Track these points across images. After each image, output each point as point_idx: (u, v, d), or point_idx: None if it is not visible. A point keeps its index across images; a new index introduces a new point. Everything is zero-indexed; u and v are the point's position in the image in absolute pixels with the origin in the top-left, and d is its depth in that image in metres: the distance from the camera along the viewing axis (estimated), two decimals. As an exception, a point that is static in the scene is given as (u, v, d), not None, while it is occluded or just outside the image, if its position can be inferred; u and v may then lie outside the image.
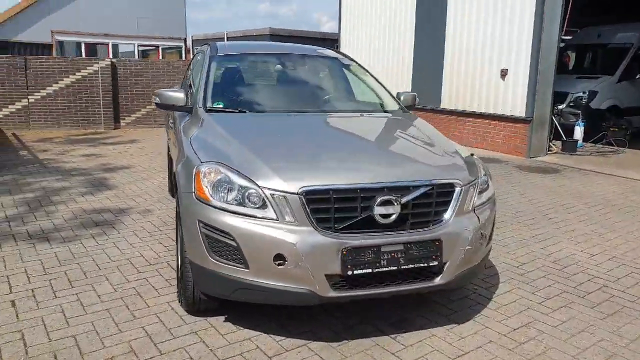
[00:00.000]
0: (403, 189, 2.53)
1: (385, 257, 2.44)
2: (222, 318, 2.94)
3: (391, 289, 2.53)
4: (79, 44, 17.97)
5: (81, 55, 17.88)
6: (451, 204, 2.63)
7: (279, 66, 4.18)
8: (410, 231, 2.52)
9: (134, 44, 19.01)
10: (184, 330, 2.81)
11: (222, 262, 2.47)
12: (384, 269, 2.46)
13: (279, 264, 2.38)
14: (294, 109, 3.64)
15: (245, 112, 3.48)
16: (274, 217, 2.40)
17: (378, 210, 2.44)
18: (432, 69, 10.49)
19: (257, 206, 2.43)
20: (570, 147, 9.07)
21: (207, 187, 2.52)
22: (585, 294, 3.38)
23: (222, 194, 2.48)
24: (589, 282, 3.57)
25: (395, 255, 2.46)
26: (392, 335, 2.80)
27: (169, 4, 19.14)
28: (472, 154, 3.14)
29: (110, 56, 18.29)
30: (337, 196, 2.44)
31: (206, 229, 2.48)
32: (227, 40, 19.12)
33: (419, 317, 3.00)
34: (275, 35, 17.20)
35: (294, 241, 2.36)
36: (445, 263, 2.59)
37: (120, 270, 3.63)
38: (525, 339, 2.80)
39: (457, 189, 2.65)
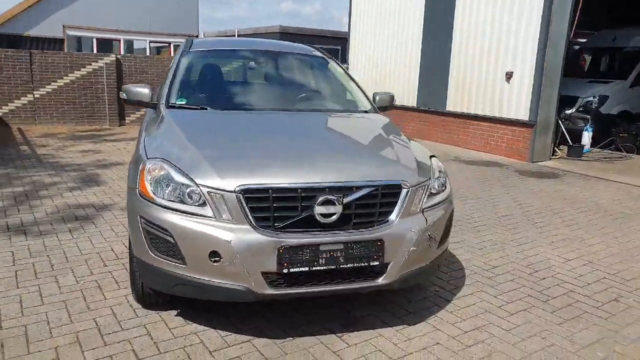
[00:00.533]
0: (346, 189, 2.56)
1: (324, 256, 2.48)
2: (175, 312, 3.01)
3: (331, 288, 2.57)
4: (90, 39, 18.34)
5: (92, 51, 18.25)
6: (397, 205, 2.65)
7: (251, 63, 4.24)
8: (351, 231, 2.55)
9: (146, 41, 19.33)
10: (134, 323, 2.89)
11: (162, 258, 2.54)
12: (323, 268, 2.50)
13: (214, 261, 2.44)
14: (259, 106, 3.70)
15: (206, 109, 3.53)
16: (212, 215, 2.46)
17: (319, 209, 2.48)
18: (438, 71, 10.46)
19: (197, 204, 2.49)
20: (575, 152, 8.95)
21: (149, 183, 2.59)
22: (549, 298, 3.37)
23: (163, 191, 2.55)
24: (556, 287, 3.55)
25: (335, 255, 2.50)
26: (339, 334, 2.84)
27: (182, 2, 19.42)
28: (432, 156, 3.16)
29: (122, 52, 18.65)
30: (276, 195, 2.48)
31: (147, 225, 2.55)
32: (238, 37, 19.32)
33: (371, 317, 3.03)
34: (285, 33, 17.32)
35: (228, 239, 2.41)
36: (388, 263, 2.61)
37: (88, 263, 3.73)
38: (473, 342, 2.81)
39: (404, 191, 2.67)
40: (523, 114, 8.68)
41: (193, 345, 2.69)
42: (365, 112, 3.88)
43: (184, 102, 3.57)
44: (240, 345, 2.71)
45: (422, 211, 2.75)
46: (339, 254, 2.51)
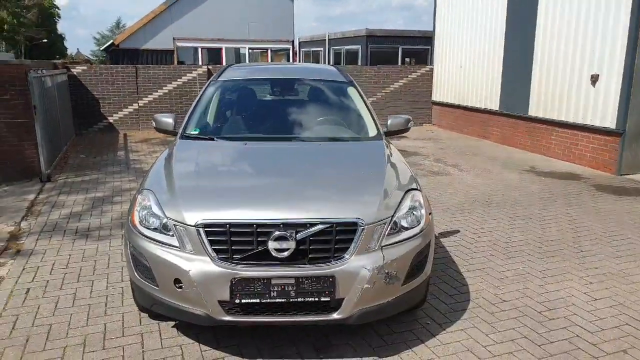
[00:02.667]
0: (300, 226, 2.69)
1: (276, 289, 2.65)
2: (172, 324, 3.37)
3: (285, 319, 2.74)
4: (195, 49, 19.94)
5: (199, 59, 19.84)
6: (352, 243, 2.73)
7: (269, 93, 4.48)
8: (304, 266, 2.68)
9: (246, 47, 20.53)
10: (134, 331, 3.30)
11: (142, 279, 2.90)
12: (274, 300, 2.67)
13: (178, 287, 2.73)
14: (265, 135, 3.93)
15: (213, 139, 3.84)
16: (177, 245, 2.75)
17: (272, 245, 2.65)
18: (520, 73, 9.92)
19: (169, 234, 2.80)
20: (675, 164, 7.95)
21: (137, 212, 2.96)
22: (546, 342, 3.18)
23: (147, 220, 2.90)
24: (561, 330, 3.33)
25: (286, 288, 2.65)
26: (307, 359, 2.99)
27: (279, 9, 20.32)
28: (411, 189, 3.12)
29: (224, 60, 20.03)
30: (233, 230, 2.70)
31: (133, 249, 2.92)
32: (329, 42, 19.74)
33: (345, 345, 3.13)
34: (371, 36, 17.36)
35: (187, 268, 2.68)
36: (342, 299, 2.71)
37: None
38: (435, 382, 2.79)
39: (359, 229, 2.74)
40: (610, 121, 7.94)
41: (174, 357, 3.02)
42: (369, 139, 3.92)
43: (197, 133, 3.91)
44: (213, 361, 2.98)
45: (382, 248, 2.79)
46: (289, 288, 2.66)
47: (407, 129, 4.20)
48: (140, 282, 2.93)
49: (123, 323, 3.40)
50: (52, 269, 4.29)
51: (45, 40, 62.61)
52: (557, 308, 3.63)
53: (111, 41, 20.09)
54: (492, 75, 10.85)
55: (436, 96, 13.46)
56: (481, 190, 6.96)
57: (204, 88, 4.37)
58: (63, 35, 74.85)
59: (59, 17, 74.28)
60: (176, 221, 2.77)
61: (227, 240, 2.69)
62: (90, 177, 7.56)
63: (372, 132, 4.01)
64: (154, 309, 2.98)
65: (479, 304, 3.69)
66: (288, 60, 21.04)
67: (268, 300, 2.67)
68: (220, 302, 2.68)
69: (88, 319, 3.46)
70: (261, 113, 4.41)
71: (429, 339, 3.22)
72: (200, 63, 18.40)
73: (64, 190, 6.86)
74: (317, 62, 20.93)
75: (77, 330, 3.31)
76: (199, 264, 2.68)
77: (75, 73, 11.83)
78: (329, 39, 19.96)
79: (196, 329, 3.27)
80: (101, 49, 22.38)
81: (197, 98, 4.22)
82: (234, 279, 2.64)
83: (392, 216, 2.87)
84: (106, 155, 9.35)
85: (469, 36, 11.61)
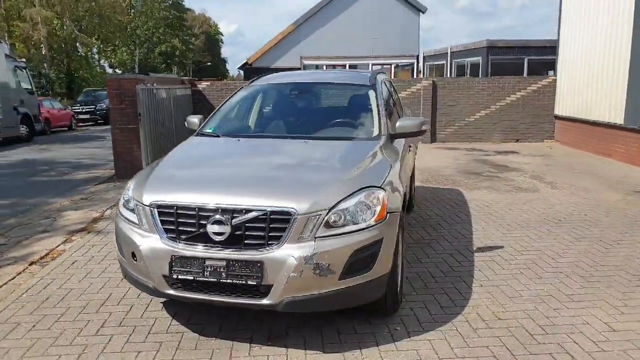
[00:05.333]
0: (237, 212, 2.88)
1: (209, 269, 2.87)
2: (162, 300, 3.75)
3: (219, 299, 2.93)
4: (321, 67, 20.97)
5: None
6: (285, 231, 2.83)
7: (287, 96, 4.70)
8: (235, 250, 2.85)
9: (369, 64, 21.02)
10: (129, 302, 3.75)
11: (119, 253, 3.34)
12: (207, 279, 2.88)
13: (135, 260, 3.10)
14: (268, 134, 4.18)
15: (218, 136, 4.19)
16: (137, 222, 3.13)
17: (211, 228, 2.88)
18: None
19: (134, 213, 3.19)
20: None
21: (122, 196, 3.42)
22: (513, 364, 2.89)
23: (125, 202, 3.33)
24: (543, 356, 2.99)
25: (218, 269, 2.85)
26: (254, 345, 3.12)
27: (403, 24, 20.46)
28: (367, 187, 3.07)
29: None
30: (180, 212, 2.98)
31: (116, 227, 3.38)
32: (451, 55, 19.27)
33: (298, 337, 3.19)
34: (493, 47, 16.51)
35: (140, 243, 3.04)
36: (270, 285, 2.82)
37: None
38: (360, 381, 2.74)
39: (292, 218, 2.83)
40: None
41: (144, 326, 3.39)
42: (365, 139, 3.92)
43: (211, 131, 4.31)
44: (175, 334, 3.28)
45: (315, 239, 2.84)
46: (221, 270, 2.85)
47: (420, 132, 4.10)
48: (118, 256, 3.37)
49: (125, 295, 3.90)
50: (102, 248, 5.02)
51: (210, 64, 70.80)
52: (558, 334, 3.24)
53: (245, 61, 22.13)
54: (616, 83, 9.69)
55: (559, 110, 12.37)
56: (561, 209, 6.30)
57: (234, 93, 4.78)
58: (225, 59, 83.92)
59: (222, 42, 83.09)
60: (137, 201, 3.15)
61: (175, 221, 2.99)
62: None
63: (373, 133, 4.00)
64: (127, 280, 3.39)
65: (467, 318, 3.46)
66: (412, 76, 21.01)
67: (201, 279, 2.89)
68: (164, 277, 2.98)
69: (101, 288, 4.02)
70: (271, 114, 4.67)
71: (385, 344, 3.13)
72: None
73: (154, 187, 7.83)
74: (442, 76, 20.53)
75: (87, 296, 3.88)
76: (149, 240, 3.02)
77: (200, 88, 13.31)
78: (451, 52, 19.50)
79: (177, 307, 3.62)
80: (237, 67, 24.69)
81: (224, 102, 4.64)
82: (174, 256, 2.93)
83: (331, 209, 2.90)
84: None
85: (592, 41, 10.53)
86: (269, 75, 5.12)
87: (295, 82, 4.91)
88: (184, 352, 3.07)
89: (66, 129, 21.40)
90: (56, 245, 5.17)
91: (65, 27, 35.07)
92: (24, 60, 20.05)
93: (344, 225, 2.92)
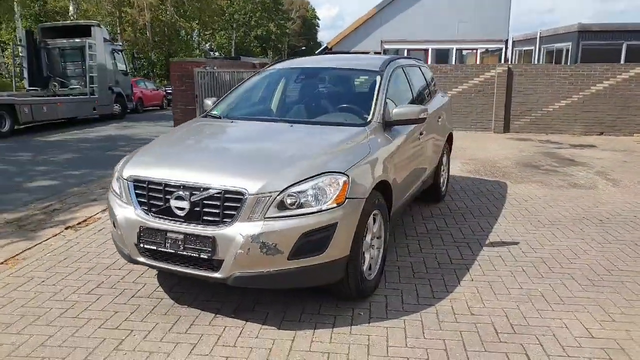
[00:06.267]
0: (196, 189, 3.06)
1: (169, 241, 3.10)
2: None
3: (178, 269, 3.15)
4: (401, 51, 20.59)
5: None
6: (238, 210, 2.97)
7: (295, 80, 4.76)
8: (192, 225, 3.05)
9: (453, 48, 20.29)
10: (130, 268, 4.10)
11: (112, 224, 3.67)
12: (167, 250, 3.11)
13: (115, 228, 3.41)
14: (268, 117, 4.30)
15: (220, 117, 4.39)
16: (119, 194, 3.43)
17: (174, 202, 3.10)
18: None
19: (119, 186, 3.49)
20: None
21: (115, 168, 3.74)
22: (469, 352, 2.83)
23: (115, 176, 3.65)
24: (497, 354, 2.88)
25: (177, 242, 3.07)
26: (218, 316, 3.32)
27: (493, 8, 19.44)
28: (327, 172, 3.10)
29: (429, 61, 20.23)
30: (150, 186, 3.22)
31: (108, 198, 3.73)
32: (540, 40, 18.01)
33: (261, 312, 3.34)
34: (585, 32, 15.13)
35: (117, 213, 3.34)
36: (222, 260, 2.99)
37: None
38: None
39: (244, 198, 2.96)
40: None
41: (131, 290, 3.72)
42: (354, 125, 3.90)
43: (216, 113, 4.52)
44: (154, 299, 3.56)
45: (264, 219, 2.95)
46: (179, 242, 3.07)
47: (418, 120, 4.01)
48: (111, 227, 3.72)
49: (130, 261, 4.27)
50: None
51: (304, 48, 72.10)
52: (526, 334, 3.09)
53: (325, 45, 22.28)
54: None
55: (653, 101, 11.20)
56: (609, 208, 5.82)
57: (248, 77, 4.96)
58: (321, 43, 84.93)
59: (319, 27, 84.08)
60: (119, 175, 3.45)
61: (146, 195, 3.25)
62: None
63: (366, 119, 3.97)
64: (115, 245, 3.73)
65: (438, 310, 3.40)
66: (499, 61, 19.97)
67: (163, 249, 3.13)
68: (135, 245, 3.26)
69: (112, 254, 4.42)
70: (271, 98, 4.77)
71: (342, 327, 3.18)
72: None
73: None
74: (530, 62, 19.28)
75: (97, 259, 4.31)
76: (125, 211, 3.31)
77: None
78: (540, 37, 18.20)
79: (167, 275, 3.91)
80: (316, 52, 25.01)
81: (236, 86, 4.85)
82: (142, 227, 3.19)
83: (283, 191, 2.98)
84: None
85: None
86: (285, 61, 5.23)
87: (303, 67, 4.97)
88: (154, 316, 3.34)
89: (158, 108, 23.06)
90: (95, 213, 5.73)
91: (167, 12, 37.48)
92: (120, 43, 21.79)
93: (298, 208, 3.00)
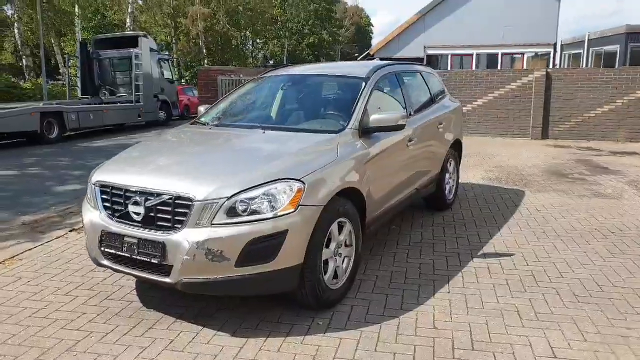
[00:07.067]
0: (150, 195, 3.11)
1: (126, 245, 3.16)
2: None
3: (135, 272, 3.20)
4: (445, 56, 20.20)
5: (447, 67, 20.07)
6: (186, 216, 2.99)
7: (281, 88, 4.74)
8: (145, 230, 3.10)
9: (498, 53, 19.69)
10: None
11: None
12: (124, 254, 3.18)
13: (84, 233, 3.52)
14: (246, 124, 4.31)
15: (205, 124, 4.44)
16: (89, 198, 3.54)
17: (131, 208, 3.17)
18: None
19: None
20: None
21: None
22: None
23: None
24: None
25: (132, 246, 3.13)
26: (178, 320, 3.35)
27: (540, 11, 18.71)
28: (280, 180, 3.08)
29: (473, 66, 19.73)
30: (113, 192, 3.31)
31: None
32: (588, 42, 17.12)
33: (219, 319, 3.33)
34: (634, 33, 14.21)
35: (84, 218, 3.45)
36: (171, 265, 3.02)
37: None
38: (235, 366, 2.81)
39: (192, 203, 2.98)
40: None
41: (107, 292, 3.82)
42: (325, 132, 3.82)
43: (204, 120, 4.58)
44: (123, 302, 3.65)
45: (211, 225, 2.95)
46: (134, 247, 3.12)
47: (397, 127, 3.90)
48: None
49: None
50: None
51: (357, 55, 72.16)
52: (484, 351, 2.92)
53: (367, 51, 22.17)
54: None
55: None
56: (629, 220, 5.43)
57: (241, 85, 5.02)
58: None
59: (372, 33, 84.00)
60: (89, 180, 3.57)
61: (110, 200, 3.34)
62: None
63: (340, 126, 3.89)
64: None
65: (400, 323, 3.27)
66: (547, 65, 19.17)
67: (120, 253, 3.20)
68: (99, 248, 3.35)
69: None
70: (255, 105, 4.78)
71: (295, 336, 3.12)
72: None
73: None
74: (578, 66, 18.35)
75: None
76: (92, 215, 3.41)
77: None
78: (588, 40, 17.28)
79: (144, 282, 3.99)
80: (358, 58, 24.95)
81: (228, 93, 4.91)
82: (103, 231, 3.28)
83: (230, 197, 2.97)
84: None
85: None
86: (280, 69, 5.25)
87: (290, 75, 4.96)
88: (118, 318, 3.41)
89: (204, 115, 23.70)
90: (103, 216, 5.95)
91: (219, 22, 38.59)
92: (167, 53, 22.61)
93: (251, 214, 2.99)
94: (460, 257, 4.40)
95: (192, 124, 4.64)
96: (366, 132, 3.94)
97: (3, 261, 4.51)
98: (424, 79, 5.54)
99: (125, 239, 3.17)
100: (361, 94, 4.16)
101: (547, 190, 6.85)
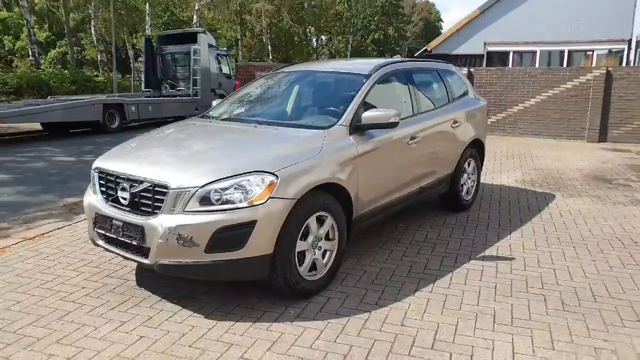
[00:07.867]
0: (135, 182, 3.37)
1: (114, 227, 3.43)
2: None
3: (122, 253, 3.46)
4: (507, 53, 19.49)
5: (508, 64, 19.39)
6: (163, 202, 3.22)
7: (289, 83, 4.85)
8: (128, 214, 3.35)
9: (565, 50, 18.75)
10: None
11: None
12: (112, 236, 3.46)
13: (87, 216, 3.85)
14: (242, 118, 4.49)
15: (211, 118, 4.65)
16: (91, 184, 3.84)
17: (120, 193, 3.44)
18: None
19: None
20: None
21: None
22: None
23: None
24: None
25: (118, 228, 3.40)
26: (163, 300, 3.58)
27: (614, 5, 17.59)
28: (262, 171, 3.23)
29: (537, 64, 18.95)
30: (107, 177, 3.59)
31: None
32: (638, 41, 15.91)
33: (199, 302, 3.53)
34: None
35: (84, 200, 3.78)
36: (149, 248, 3.25)
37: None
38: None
39: (167, 191, 3.19)
40: None
41: (106, 270, 4.14)
42: (316, 127, 3.88)
43: (211, 113, 4.81)
44: (121, 279, 3.94)
45: (184, 212, 3.15)
46: (120, 229, 3.39)
47: (390, 124, 3.92)
48: None
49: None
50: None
51: (398, 49, 70.80)
52: (442, 351, 2.92)
53: (424, 48, 21.76)
54: None
55: None
56: (657, 230, 5.12)
57: (252, 81, 5.20)
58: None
59: (442, 29, 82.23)
60: (91, 167, 3.88)
61: (105, 185, 3.63)
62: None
63: (331, 122, 3.96)
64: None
65: (370, 318, 3.32)
66: (620, 64, 18.02)
67: (109, 235, 3.48)
68: (94, 230, 3.66)
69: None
70: (258, 100, 4.90)
71: (263, 322, 3.26)
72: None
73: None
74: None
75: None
76: (90, 198, 3.72)
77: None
78: (637, 40, 16.02)
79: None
80: (415, 55, 24.56)
81: (240, 88, 5.11)
82: (97, 213, 3.57)
83: (202, 187, 3.15)
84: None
85: None
86: (292, 66, 5.40)
87: (297, 71, 5.06)
88: (111, 294, 3.70)
89: (261, 110, 24.24)
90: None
91: (283, 18, 39.30)
92: (225, 49, 23.31)
93: (223, 204, 3.16)
94: (457, 259, 4.36)
95: (200, 117, 4.89)
96: (358, 129, 3.99)
97: (34, 237, 4.96)
98: (440, 77, 5.48)
99: (114, 221, 3.44)
100: (360, 90, 4.21)
101: (580, 196, 6.55)
